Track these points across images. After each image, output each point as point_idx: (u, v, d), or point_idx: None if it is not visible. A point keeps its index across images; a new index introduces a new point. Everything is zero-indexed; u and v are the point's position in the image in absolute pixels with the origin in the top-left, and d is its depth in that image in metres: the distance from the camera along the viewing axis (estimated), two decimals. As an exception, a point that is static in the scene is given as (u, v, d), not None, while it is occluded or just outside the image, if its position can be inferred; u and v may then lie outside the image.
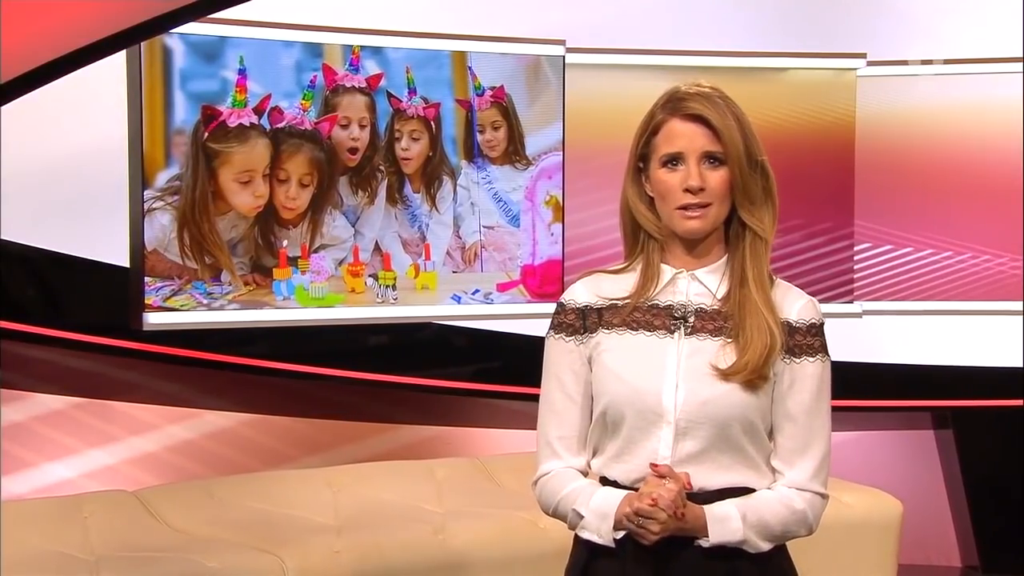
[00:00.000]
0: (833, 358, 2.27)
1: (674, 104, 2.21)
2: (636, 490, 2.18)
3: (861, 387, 4.66)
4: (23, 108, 3.32)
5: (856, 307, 4.75)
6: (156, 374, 4.23)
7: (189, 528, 3.76)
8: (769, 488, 2.22)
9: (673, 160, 2.19)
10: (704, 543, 2.16)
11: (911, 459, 5.16)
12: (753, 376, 2.16)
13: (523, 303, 4.44)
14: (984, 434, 4.91)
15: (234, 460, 4.53)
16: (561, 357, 2.26)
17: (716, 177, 2.18)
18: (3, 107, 3.23)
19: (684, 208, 2.18)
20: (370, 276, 4.22)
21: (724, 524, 2.15)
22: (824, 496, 2.24)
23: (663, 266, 2.24)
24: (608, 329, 2.23)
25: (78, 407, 4.36)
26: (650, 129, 2.23)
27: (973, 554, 5.00)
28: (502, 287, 4.42)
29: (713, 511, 2.16)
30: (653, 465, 2.14)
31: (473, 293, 4.38)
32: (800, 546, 2.28)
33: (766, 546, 2.18)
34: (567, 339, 2.26)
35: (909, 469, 5.13)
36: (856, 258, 4.74)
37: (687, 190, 2.18)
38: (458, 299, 4.36)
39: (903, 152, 4.73)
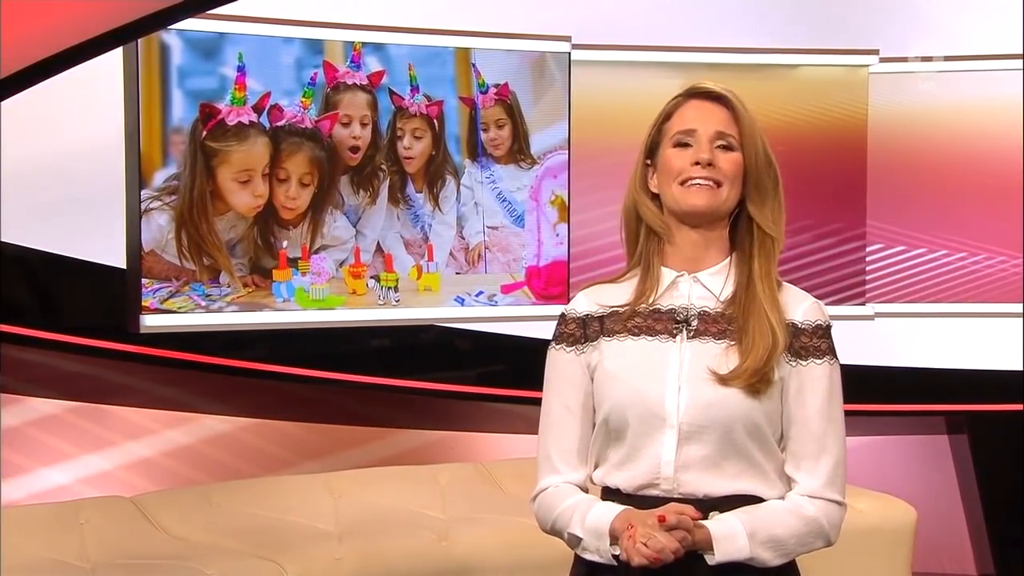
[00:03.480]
0: (844, 361, 2.23)
1: (691, 90, 2.19)
2: (640, 497, 2.14)
3: (873, 391, 4.61)
4: (18, 106, 3.28)
5: (868, 309, 4.68)
6: (153, 377, 4.18)
7: (187, 535, 3.73)
8: (781, 498, 2.16)
9: (685, 139, 2.15)
10: (709, 560, 2.10)
11: (924, 464, 5.11)
12: (754, 380, 2.12)
13: (528, 305, 4.37)
14: (999, 439, 4.84)
15: (232, 465, 4.49)
16: (561, 368, 2.23)
17: (727, 159, 2.15)
18: (-1, 105, 3.19)
19: (690, 180, 2.13)
20: (371, 278, 4.16)
21: (730, 541, 2.09)
22: (840, 504, 2.18)
23: (663, 269, 2.20)
24: (609, 337, 2.19)
25: (73, 411, 4.31)
26: (663, 116, 2.19)
27: (988, 562, 4.93)
28: (506, 289, 4.35)
29: (719, 529, 2.10)
30: (660, 518, 2.06)
31: (477, 295, 4.31)
32: (811, 554, 2.21)
33: (778, 561, 2.13)
34: (568, 349, 2.22)
35: (922, 475, 5.07)
36: (868, 259, 4.68)
37: (696, 163, 2.13)
38: (461, 301, 4.29)
39: (916, 151, 4.66)
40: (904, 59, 4.64)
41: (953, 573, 5.07)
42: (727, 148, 2.14)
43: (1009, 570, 4.88)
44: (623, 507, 2.13)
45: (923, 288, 4.72)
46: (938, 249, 4.71)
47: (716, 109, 2.15)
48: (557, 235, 4.41)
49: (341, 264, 4.12)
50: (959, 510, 5.03)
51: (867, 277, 4.69)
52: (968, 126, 4.64)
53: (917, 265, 4.71)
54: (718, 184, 2.13)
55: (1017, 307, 4.68)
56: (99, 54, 3.31)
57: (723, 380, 2.12)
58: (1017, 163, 4.62)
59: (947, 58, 4.64)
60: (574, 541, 2.18)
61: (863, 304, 4.68)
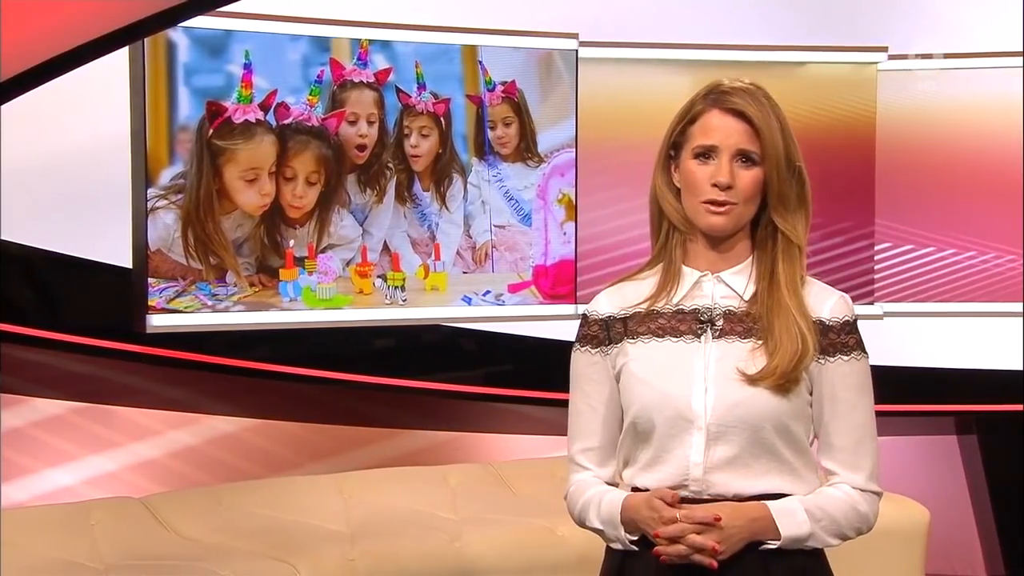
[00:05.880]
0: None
1: (716, 96, 2.17)
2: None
3: (881, 391, 4.49)
4: (24, 105, 3.25)
5: (877, 308, 4.66)
6: (159, 378, 4.16)
7: (198, 536, 3.73)
8: (830, 487, 2.17)
9: (706, 153, 2.15)
10: (772, 544, 2.10)
11: (933, 465, 5.09)
12: (782, 381, 2.12)
13: (535, 304, 4.34)
14: (1009, 440, 4.82)
15: (239, 466, 4.47)
16: (585, 369, 2.23)
17: (747, 177, 2.14)
18: (3, 104, 3.17)
19: (709, 203, 2.14)
20: (379, 277, 4.13)
21: (791, 517, 2.11)
22: (881, 495, 2.21)
23: (685, 268, 2.20)
24: (633, 339, 2.19)
25: (78, 412, 4.29)
26: (688, 118, 2.18)
27: (999, 564, 4.91)
28: (513, 288, 4.32)
29: (778, 506, 2.11)
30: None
31: (484, 294, 4.29)
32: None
33: (834, 542, 2.15)
34: (592, 351, 2.22)
35: (932, 476, 5.05)
36: (877, 258, 4.66)
37: (715, 185, 2.13)
38: (468, 300, 4.27)
39: (926, 149, 4.64)
40: (903, 56, 4.61)
41: (963, 574, 5.05)
42: (748, 164, 2.14)
43: (1020, 572, 4.85)
44: (628, 493, 2.16)
45: (932, 287, 4.70)
46: (947, 248, 4.68)
47: (738, 124, 2.14)
48: (564, 234, 4.39)
49: (348, 263, 4.09)
50: (968, 511, 5.00)
51: (875, 276, 4.67)
52: (977, 124, 4.62)
53: (926, 264, 4.69)
54: (735, 204, 2.14)
55: (1025, 307, 4.67)
56: (106, 53, 3.28)
57: (751, 380, 2.12)
58: (1030, 161, 4.60)
59: (949, 55, 4.61)
60: (599, 534, 2.20)
61: (872, 303, 4.65)
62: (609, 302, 2.23)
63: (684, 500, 2.12)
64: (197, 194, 3.83)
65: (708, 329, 2.16)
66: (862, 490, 2.17)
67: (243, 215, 3.92)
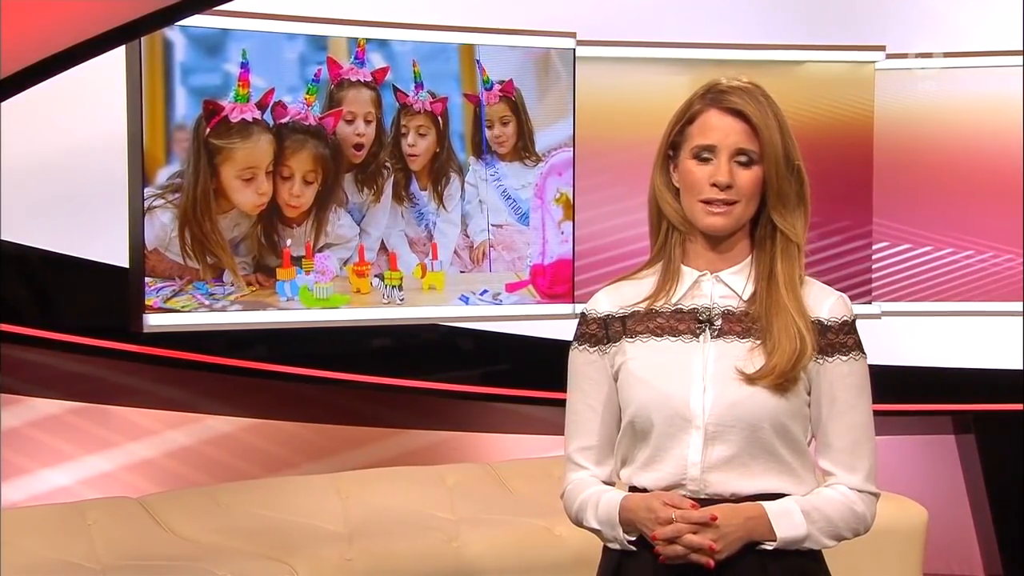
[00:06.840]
0: (851, 360, 2.21)
1: (714, 96, 2.17)
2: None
3: (879, 390, 4.51)
4: (20, 104, 3.25)
5: (875, 308, 4.65)
6: (156, 377, 4.15)
7: (196, 536, 3.73)
8: (827, 488, 2.17)
9: (704, 153, 2.15)
10: (769, 545, 2.10)
11: (931, 465, 5.09)
12: (781, 380, 2.12)
13: (533, 304, 4.33)
14: (1007, 439, 4.81)
15: (236, 466, 4.47)
16: (583, 368, 2.23)
17: (746, 176, 2.14)
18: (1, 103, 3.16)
19: (708, 203, 2.14)
20: (376, 276, 4.13)
21: (787, 518, 2.11)
22: (878, 495, 2.20)
23: (685, 268, 2.20)
24: (632, 338, 2.19)
25: (75, 412, 4.28)
26: (686, 118, 2.19)
27: (996, 563, 4.91)
28: (511, 287, 4.32)
29: (774, 507, 2.11)
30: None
31: (481, 294, 4.28)
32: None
33: (830, 543, 2.15)
34: (591, 350, 2.22)
35: (929, 475, 5.05)
36: (874, 257, 4.65)
37: (714, 184, 2.13)
38: (466, 300, 4.26)
39: (923, 148, 4.64)
40: (904, 55, 4.60)
41: (961, 574, 5.05)
42: (747, 163, 2.14)
43: (1017, 571, 4.85)
44: (626, 494, 2.16)
45: (929, 287, 4.70)
46: (945, 247, 4.68)
47: (737, 124, 2.14)
48: (562, 233, 4.38)
49: (345, 262, 4.09)
50: (966, 510, 5.00)
51: (873, 276, 4.67)
52: (975, 124, 4.62)
53: (924, 263, 4.69)
54: (734, 202, 2.14)
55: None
56: (103, 52, 3.28)
57: (750, 379, 2.12)
58: (1025, 161, 4.60)
59: (947, 54, 4.60)
60: (596, 533, 2.20)
61: (869, 303, 4.65)
62: (608, 301, 2.23)
63: None
64: (194, 193, 3.83)
65: (707, 329, 2.16)
66: (859, 491, 2.17)
67: (240, 214, 3.91)
